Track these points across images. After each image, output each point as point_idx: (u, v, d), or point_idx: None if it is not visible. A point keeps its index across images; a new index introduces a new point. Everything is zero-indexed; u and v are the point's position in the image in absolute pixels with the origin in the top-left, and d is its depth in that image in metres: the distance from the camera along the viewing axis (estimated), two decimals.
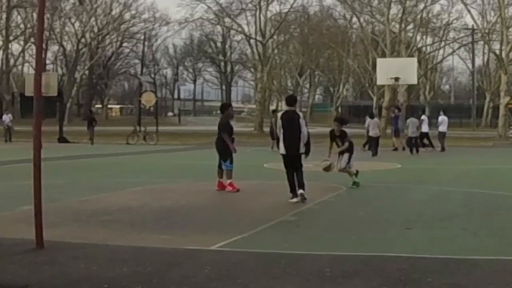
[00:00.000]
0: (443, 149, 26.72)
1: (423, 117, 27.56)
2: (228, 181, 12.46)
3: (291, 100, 11.52)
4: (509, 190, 12.50)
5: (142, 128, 35.50)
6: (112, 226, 8.56)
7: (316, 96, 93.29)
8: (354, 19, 55.90)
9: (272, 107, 67.80)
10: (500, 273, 5.97)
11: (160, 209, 10.08)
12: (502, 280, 5.70)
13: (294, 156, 10.81)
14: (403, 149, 26.55)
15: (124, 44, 77.82)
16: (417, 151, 25.12)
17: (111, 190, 12.66)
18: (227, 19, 57.15)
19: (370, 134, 25.14)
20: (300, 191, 10.74)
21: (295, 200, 10.71)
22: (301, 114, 11.09)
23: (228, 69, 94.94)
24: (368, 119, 26.12)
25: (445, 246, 7.27)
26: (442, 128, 27.31)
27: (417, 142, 25.70)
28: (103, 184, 14.07)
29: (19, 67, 66.27)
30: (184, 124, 73.16)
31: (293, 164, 10.87)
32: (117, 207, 10.16)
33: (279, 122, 10.95)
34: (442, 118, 27.66)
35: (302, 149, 10.81)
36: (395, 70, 29.98)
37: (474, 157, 24.21)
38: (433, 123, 29.77)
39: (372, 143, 25.00)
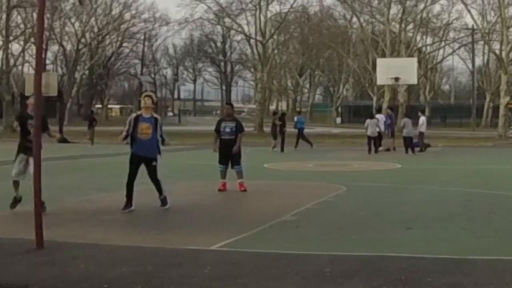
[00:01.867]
0: (423, 149, 26.79)
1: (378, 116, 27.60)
2: (241, 180, 12.53)
3: None
4: (509, 190, 12.50)
5: None
6: (112, 226, 8.56)
7: (316, 96, 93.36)
8: (354, 19, 55.95)
9: (272, 107, 67.88)
10: (500, 273, 5.97)
11: (160, 209, 10.08)
12: (502, 280, 5.70)
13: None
14: (389, 150, 26.94)
15: (124, 44, 77.82)
16: (413, 151, 25.24)
17: (111, 190, 12.65)
18: (227, 19, 57.12)
19: (368, 133, 25.64)
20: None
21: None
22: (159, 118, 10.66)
23: (228, 69, 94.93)
24: (368, 120, 26.53)
25: (445, 246, 7.28)
26: (422, 128, 27.43)
27: (412, 142, 25.86)
28: (103, 184, 14.07)
29: (19, 67, 66.21)
30: (184, 124, 73.15)
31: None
32: (117, 207, 10.14)
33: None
34: (422, 119, 27.78)
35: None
36: (395, 70, 29.95)
37: (474, 157, 24.20)
38: (431, 123, 29.92)
39: (369, 142, 25.54)
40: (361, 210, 10.18)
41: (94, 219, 9.07)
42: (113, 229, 8.29)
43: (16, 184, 9.62)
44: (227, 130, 12.57)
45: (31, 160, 8.42)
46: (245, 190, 12.36)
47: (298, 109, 58.66)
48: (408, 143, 25.44)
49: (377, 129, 25.97)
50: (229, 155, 12.51)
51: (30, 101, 9.44)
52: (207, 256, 6.65)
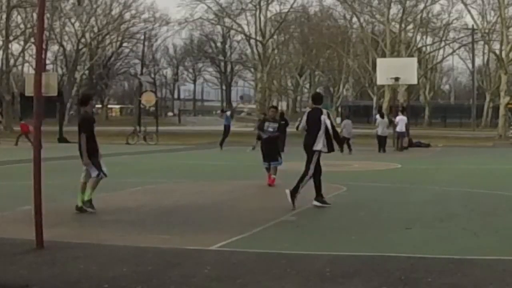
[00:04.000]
0: (400, 149, 26.98)
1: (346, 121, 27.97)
2: (274, 176, 13.45)
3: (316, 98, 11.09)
4: (509, 190, 12.50)
5: (142, 128, 35.47)
6: (112, 226, 8.56)
7: None
8: (354, 19, 56.04)
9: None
10: (500, 273, 5.97)
11: (160, 209, 10.08)
12: (502, 280, 5.70)
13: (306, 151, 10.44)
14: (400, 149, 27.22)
15: (124, 44, 77.80)
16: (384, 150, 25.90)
17: (111, 190, 12.64)
18: (227, 19, 57.23)
19: (380, 133, 26.10)
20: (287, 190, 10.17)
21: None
22: (325, 111, 10.49)
23: (228, 69, 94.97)
24: (378, 119, 27.02)
25: (445, 246, 7.27)
26: (399, 128, 27.50)
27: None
28: (103, 184, 14.03)
29: (19, 67, 66.24)
30: (184, 124, 73.16)
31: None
32: (117, 207, 10.16)
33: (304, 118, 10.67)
34: (399, 118, 27.89)
35: (317, 146, 10.21)
36: (395, 70, 29.99)
37: (474, 157, 24.20)
38: (434, 123, 30.14)
39: (382, 142, 26.28)
40: (361, 210, 10.18)
41: (94, 219, 9.07)
42: (113, 229, 8.29)
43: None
44: (270, 129, 13.78)
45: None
46: (271, 185, 13.23)
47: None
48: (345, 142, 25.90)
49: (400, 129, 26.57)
50: (270, 151, 13.62)
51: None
52: (207, 256, 6.65)
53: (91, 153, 9.58)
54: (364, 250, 6.94)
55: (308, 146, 10.30)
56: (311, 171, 10.22)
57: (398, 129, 27.37)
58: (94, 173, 9.61)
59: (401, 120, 27.50)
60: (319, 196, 10.29)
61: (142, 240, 7.54)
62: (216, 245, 7.19)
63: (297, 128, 11.02)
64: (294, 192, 10.00)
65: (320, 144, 10.20)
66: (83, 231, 8.15)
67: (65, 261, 6.36)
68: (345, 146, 25.34)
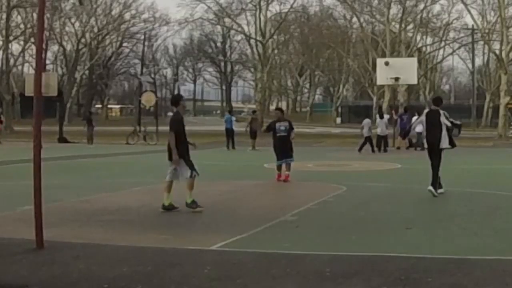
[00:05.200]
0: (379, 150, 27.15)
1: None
2: (288, 172, 14.35)
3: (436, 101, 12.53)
4: (509, 190, 12.50)
5: (142, 128, 35.48)
6: (112, 226, 8.56)
7: (316, 96, 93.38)
8: (354, 19, 56.02)
9: (273, 107, 67.67)
10: (500, 273, 5.97)
11: (160, 209, 10.07)
12: (502, 280, 5.70)
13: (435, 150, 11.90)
14: (406, 148, 27.48)
15: (124, 44, 77.78)
16: (385, 150, 25.92)
17: (111, 190, 12.66)
18: (227, 19, 57.17)
19: (379, 133, 26.41)
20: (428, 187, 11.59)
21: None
22: (442, 112, 11.85)
23: (228, 69, 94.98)
24: (378, 119, 27.15)
25: (445, 246, 7.27)
26: (419, 129, 27.50)
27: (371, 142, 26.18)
28: (103, 184, 14.07)
29: (19, 67, 66.23)
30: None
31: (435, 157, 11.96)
32: (117, 207, 10.15)
33: (423, 119, 12.14)
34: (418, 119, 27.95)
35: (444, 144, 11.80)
36: (395, 70, 29.97)
37: (474, 157, 24.17)
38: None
39: (381, 142, 26.26)
40: (361, 210, 10.18)
41: (94, 219, 9.07)
42: (113, 229, 8.29)
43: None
44: (282, 128, 14.60)
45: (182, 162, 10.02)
46: (286, 181, 14.13)
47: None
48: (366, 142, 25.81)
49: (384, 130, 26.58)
50: (284, 149, 14.41)
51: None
52: (207, 256, 6.65)
53: (182, 153, 9.95)
54: (364, 250, 6.94)
55: (435, 146, 11.86)
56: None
57: (418, 129, 27.34)
58: (187, 173, 9.88)
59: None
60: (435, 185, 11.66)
61: (142, 240, 7.54)
62: (216, 245, 7.19)
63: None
64: (435, 184, 11.70)
65: (446, 143, 11.87)
66: (83, 231, 8.15)
67: (65, 261, 6.36)
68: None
